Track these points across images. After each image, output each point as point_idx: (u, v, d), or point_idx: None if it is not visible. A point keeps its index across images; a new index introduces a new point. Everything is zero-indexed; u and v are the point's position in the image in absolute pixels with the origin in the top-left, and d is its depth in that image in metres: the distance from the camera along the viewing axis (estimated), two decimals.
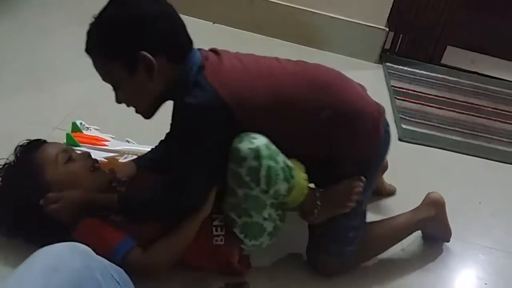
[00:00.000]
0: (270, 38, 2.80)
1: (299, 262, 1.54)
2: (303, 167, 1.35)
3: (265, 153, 1.24)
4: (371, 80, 2.65)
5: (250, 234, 1.34)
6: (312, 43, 2.81)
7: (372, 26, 2.75)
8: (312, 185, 1.41)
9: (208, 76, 1.24)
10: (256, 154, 1.23)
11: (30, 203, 1.33)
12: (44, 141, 1.49)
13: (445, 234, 1.68)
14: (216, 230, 1.37)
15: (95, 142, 1.76)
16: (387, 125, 1.44)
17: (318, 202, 1.35)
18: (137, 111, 1.34)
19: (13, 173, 1.42)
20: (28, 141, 1.49)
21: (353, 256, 1.47)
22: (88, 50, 1.28)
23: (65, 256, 0.96)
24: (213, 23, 2.80)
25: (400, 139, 2.21)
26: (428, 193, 1.63)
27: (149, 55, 1.21)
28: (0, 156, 1.65)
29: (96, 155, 1.71)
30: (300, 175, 1.33)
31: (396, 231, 1.57)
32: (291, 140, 1.33)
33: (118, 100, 1.32)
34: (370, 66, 2.80)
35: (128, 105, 1.33)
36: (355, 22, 2.75)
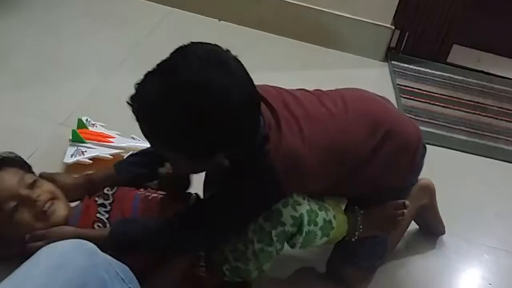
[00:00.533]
0: (276, 36, 2.80)
1: (301, 267, 1.55)
2: (340, 203, 1.34)
3: (306, 220, 1.21)
4: (377, 79, 2.65)
5: (237, 275, 1.28)
6: (318, 41, 2.80)
7: (378, 24, 2.74)
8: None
9: (271, 153, 1.13)
10: (297, 222, 1.20)
11: None
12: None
13: (440, 225, 1.70)
14: (200, 261, 1.32)
15: (101, 138, 1.77)
16: (424, 147, 1.41)
17: (361, 227, 1.34)
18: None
19: None
20: None
21: (378, 266, 1.49)
22: (138, 117, 1.05)
23: (71, 254, 0.96)
24: (219, 21, 2.80)
25: None
26: (419, 180, 1.60)
27: (222, 157, 1.07)
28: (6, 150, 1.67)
29: (102, 151, 1.72)
30: (340, 220, 1.31)
31: (403, 225, 1.57)
32: (339, 189, 1.32)
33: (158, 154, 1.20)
34: (376, 64, 2.79)
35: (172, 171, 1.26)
36: (361, 20, 2.74)
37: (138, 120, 1.06)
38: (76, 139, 1.73)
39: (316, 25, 2.77)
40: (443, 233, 1.71)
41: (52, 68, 2.20)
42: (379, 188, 1.34)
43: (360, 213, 1.35)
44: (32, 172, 1.44)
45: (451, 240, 1.72)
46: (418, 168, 1.40)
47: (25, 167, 1.43)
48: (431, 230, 1.71)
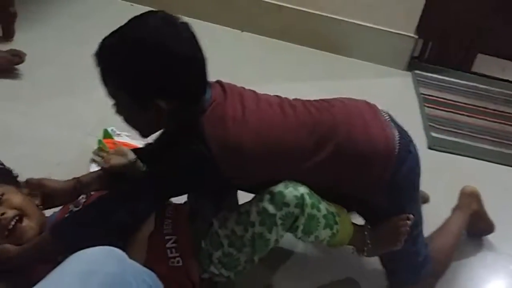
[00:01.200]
0: (298, 46, 2.81)
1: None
2: (344, 209, 1.34)
3: (309, 201, 1.24)
4: (400, 88, 2.64)
5: (225, 265, 1.30)
6: (340, 51, 2.81)
7: (401, 34, 2.74)
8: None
9: (206, 125, 1.22)
10: (300, 202, 1.23)
11: None
12: None
13: (489, 226, 1.71)
14: (171, 252, 1.31)
15: None
16: (401, 161, 1.33)
17: (368, 241, 1.35)
18: (133, 128, 1.32)
19: None
20: None
21: (429, 275, 1.47)
22: (97, 62, 1.22)
23: (101, 260, 0.96)
24: (242, 31, 2.82)
25: (429, 148, 2.19)
26: (463, 188, 1.66)
27: (163, 104, 1.19)
28: (35, 159, 1.70)
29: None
30: (345, 219, 1.32)
31: (457, 235, 1.58)
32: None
33: (117, 113, 1.28)
34: (399, 74, 2.78)
35: (125, 122, 1.30)
36: (384, 30, 2.74)
37: (97, 65, 1.22)
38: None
39: (339, 35, 2.78)
40: (493, 231, 1.73)
41: (78, 79, 2.22)
42: (350, 198, 1.35)
43: (368, 227, 1.37)
44: (13, 177, 1.42)
45: (477, 251, 1.71)
46: (398, 182, 1.33)
47: (1, 175, 1.40)
48: (483, 233, 1.75)
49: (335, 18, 2.76)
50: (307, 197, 1.23)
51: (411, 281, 1.46)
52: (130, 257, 1.09)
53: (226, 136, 1.22)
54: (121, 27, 1.21)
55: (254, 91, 1.35)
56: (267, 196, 1.24)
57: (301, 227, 1.25)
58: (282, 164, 1.27)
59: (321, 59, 2.77)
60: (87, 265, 0.94)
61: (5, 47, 2.24)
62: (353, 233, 1.33)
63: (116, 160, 1.46)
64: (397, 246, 1.33)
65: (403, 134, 1.36)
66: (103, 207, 1.26)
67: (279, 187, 1.24)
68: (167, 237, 1.33)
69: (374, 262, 1.48)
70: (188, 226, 1.36)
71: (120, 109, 1.27)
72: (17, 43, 2.36)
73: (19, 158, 1.69)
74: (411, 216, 1.33)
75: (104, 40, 1.21)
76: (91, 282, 0.91)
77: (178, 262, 1.30)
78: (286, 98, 1.36)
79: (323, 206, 1.27)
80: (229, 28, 2.76)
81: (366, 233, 1.35)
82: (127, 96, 1.21)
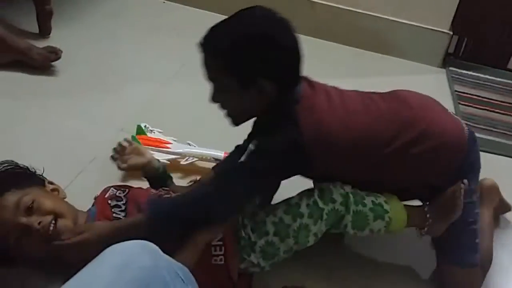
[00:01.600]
0: (332, 43, 2.80)
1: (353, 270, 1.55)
2: (394, 196, 1.38)
3: (353, 199, 1.32)
4: (434, 85, 2.61)
5: (264, 254, 1.34)
6: (374, 48, 2.79)
7: (435, 30, 2.71)
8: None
9: (300, 114, 1.29)
10: (345, 200, 1.31)
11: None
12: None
13: (507, 208, 1.75)
14: (215, 250, 1.33)
15: (159, 144, 1.81)
16: (470, 149, 1.40)
17: (428, 216, 1.38)
18: (227, 115, 1.34)
19: None
20: None
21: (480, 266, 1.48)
22: (204, 47, 1.26)
23: (136, 254, 0.98)
24: None
25: None
26: (483, 181, 1.65)
27: (267, 83, 1.25)
28: (69, 155, 1.72)
29: (159, 157, 1.76)
30: (396, 204, 1.37)
31: (492, 232, 1.60)
32: (368, 178, 1.38)
33: (213, 100, 1.31)
34: (433, 71, 2.75)
35: (221, 108, 1.33)
36: (418, 26, 2.71)
37: (203, 51, 1.25)
38: None
39: (372, 32, 2.76)
40: (510, 210, 1.76)
41: (113, 74, 2.26)
42: (420, 185, 1.41)
43: (426, 204, 1.40)
44: (38, 177, 1.42)
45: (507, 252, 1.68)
46: (465, 168, 1.40)
47: (24, 178, 1.38)
48: (502, 213, 1.77)
49: (370, 15, 2.74)
50: (351, 196, 1.32)
51: (469, 262, 1.44)
52: (183, 255, 1.17)
53: (319, 124, 1.29)
54: (229, 18, 1.28)
55: (335, 87, 1.41)
56: (316, 191, 1.33)
57: (350, 225, 1.33)
58: (360, 155, 1.33)
59: (354, 56, 2.75)
60: (122, 258, 0.96)
61: (42, 44, 2.29)
62: (411, 213, 1.38)
63: (134, 160, 1.56)
64: (457, 212, 1.36)
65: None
66: (202, 201, 1.29)
67: (328, 185, 1.34)
68: None
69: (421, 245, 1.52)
70: (232, 224, 1.37)
71: (219, 93, 1.30)
72: (53, 40, 2.41)
73: (53, 154, 1.73)
74: (465, 180, 1.36)
75: (212, 28, 1.27)
76: (125, 275, 0.93)
77: (220, 260, 1.33)
78: (363, 91, 1.43)
79: (368, 200, 1.34)
80: None
81: (425, 209, 1.39)
82: (231, 77, 1.25)
